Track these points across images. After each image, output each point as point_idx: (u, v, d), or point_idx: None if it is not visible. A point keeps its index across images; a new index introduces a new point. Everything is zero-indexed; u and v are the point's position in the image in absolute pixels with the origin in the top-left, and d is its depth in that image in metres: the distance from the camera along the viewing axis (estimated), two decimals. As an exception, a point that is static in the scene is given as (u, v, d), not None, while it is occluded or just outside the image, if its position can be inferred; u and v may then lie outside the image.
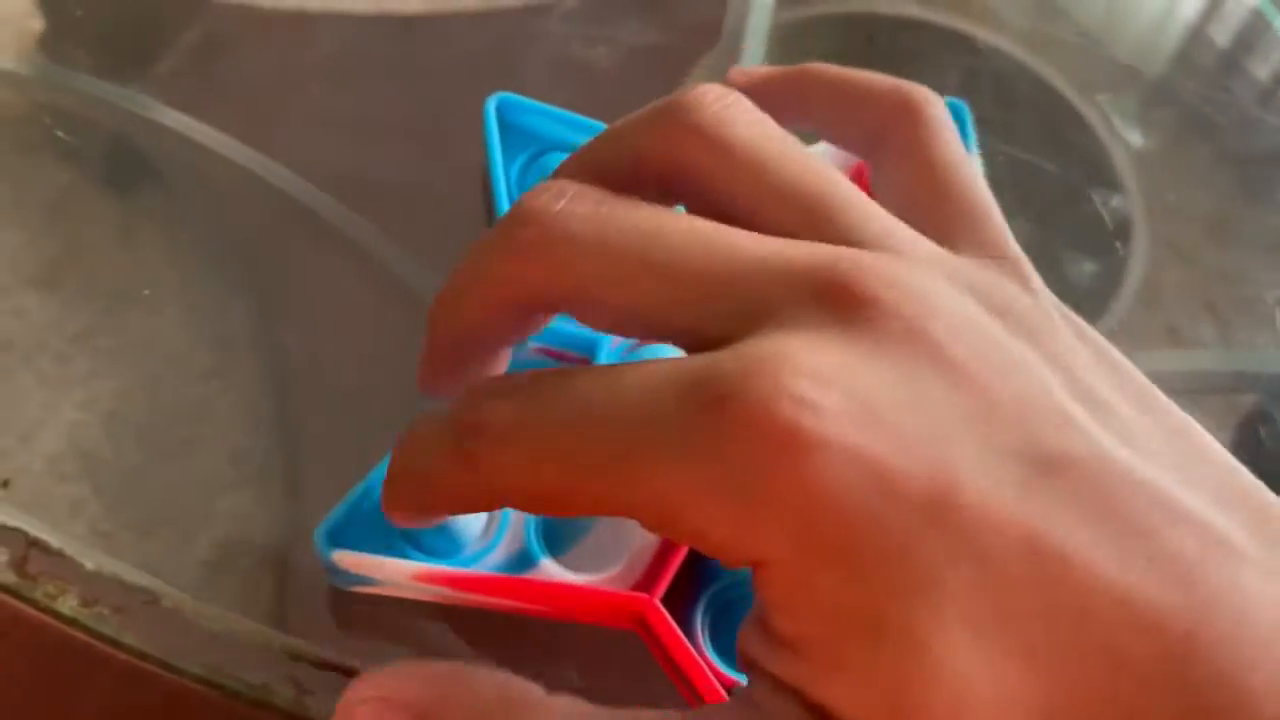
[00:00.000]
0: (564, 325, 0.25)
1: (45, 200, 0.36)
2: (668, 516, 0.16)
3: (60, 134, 0.36)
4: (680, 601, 0.23)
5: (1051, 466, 0.16)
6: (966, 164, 0.20)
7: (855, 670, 0.15)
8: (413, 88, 0.33)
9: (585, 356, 0.25)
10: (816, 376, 0.15)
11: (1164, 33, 0.41)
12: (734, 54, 0.32)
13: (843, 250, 0.17)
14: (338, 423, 0.28)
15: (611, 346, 0.25)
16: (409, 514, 0.20)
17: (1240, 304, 0.29)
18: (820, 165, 0.18)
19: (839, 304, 0.16)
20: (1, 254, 0.35)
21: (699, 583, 0.23)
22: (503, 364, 0.21)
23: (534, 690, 0.18)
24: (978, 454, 0.15)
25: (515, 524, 0.23)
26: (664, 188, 0.19)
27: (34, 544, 0.24)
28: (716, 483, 0.15)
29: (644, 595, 0.22)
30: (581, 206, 0.17)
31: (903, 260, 0.17)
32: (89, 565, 0.24)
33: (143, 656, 0.22)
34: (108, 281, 0.34)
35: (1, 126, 0.38)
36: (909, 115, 0.20)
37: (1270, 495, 0.17)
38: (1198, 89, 0.39)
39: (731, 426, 0.15)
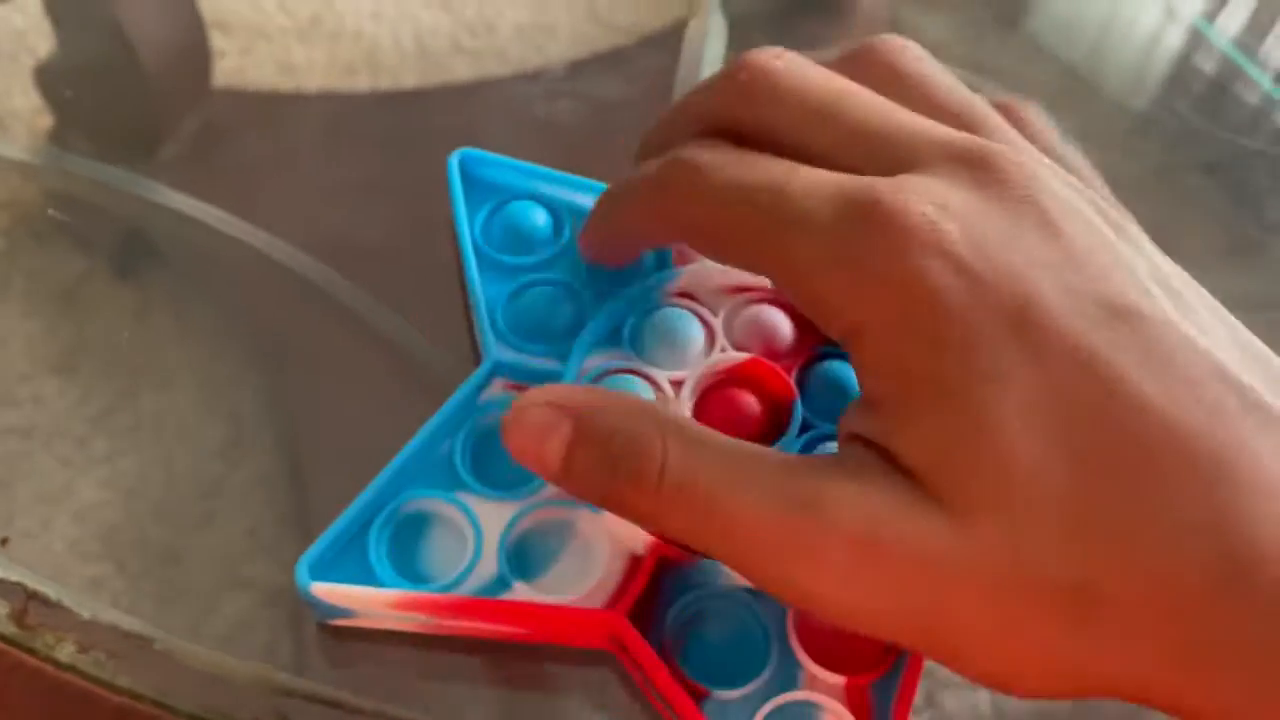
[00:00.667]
0: (532, 362, 0.26)
1: (60, 288, 0.37)
2: (798, 277, 0.20)
3: (72, 223, 0.37)
4: (649, 618, 0.23)
5: (1122, 314, 0.19)
6: (1069, 145, 0.24)
7: (922, 425, 0.18)
8: (399, 157, 0.34)
9: None
10: (946, 206, 0.19)
11: (1108, 52, 0.42)
12: None
13: (982, 139, 0.21)
14: (350, 486, 0.28)
15: (576, 380, 0.26)
16: (603, 240, 0.26)
17: None
18: (973, 93, 0.23)
19: (975, 166, 0.20)
20: (20, 342, 0.36)
21: (666, 599, 0.24)
22: None
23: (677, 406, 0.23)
24: (1060, 290, 0.19)
25: (489, 548, 0.24)
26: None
27: (33, 596, 0.25)
28: (846, 257, 0.19)
29: (613, 613, 0.23)
30: (788, 66, 0.22)
31: (1028, 152, 0.21)
32: (85, 614, 0.25)
33: (137, 697, 0.23)
34: (123, 364, 0.35)
35: (16, 219, 0.39)
36: (1017, 116, 0.24)
37: None
38: (1142, 109, 0.40)
39: (873, 222, 0.19)
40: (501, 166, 0.29)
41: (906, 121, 0.21)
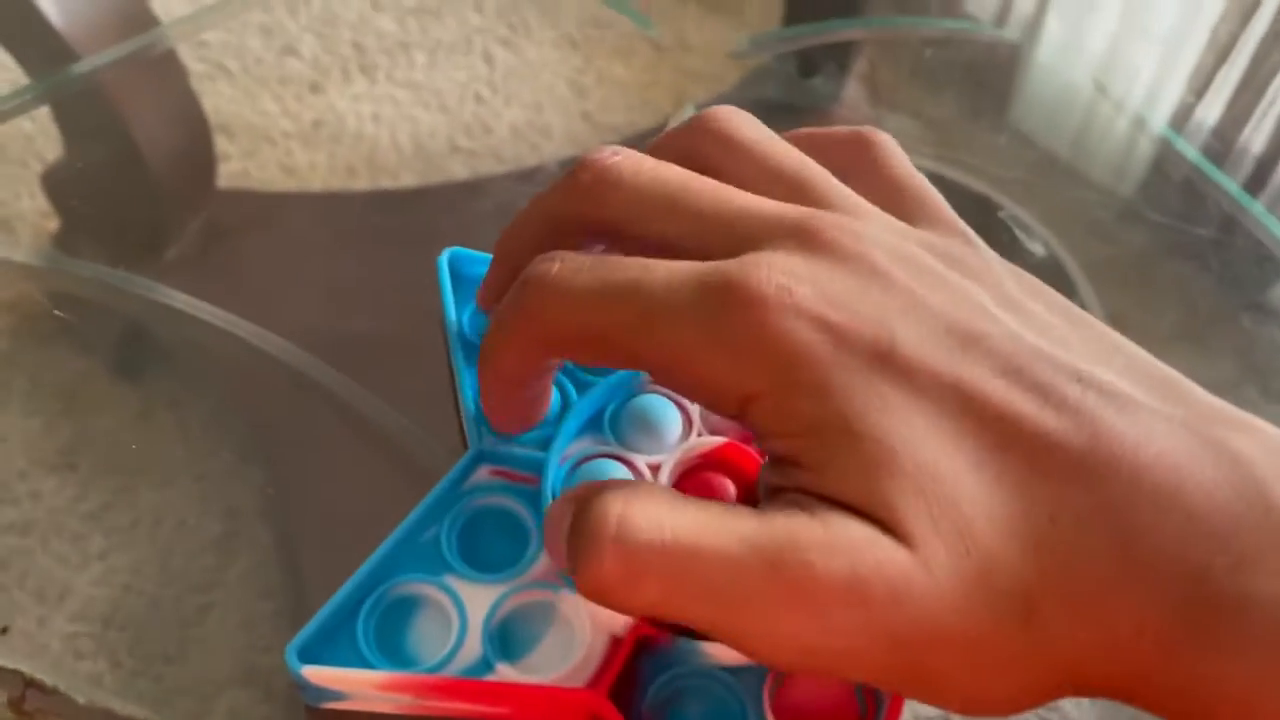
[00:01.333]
0: (516, 450, 0.27)
1: (61, 387, 0.37)
2: (677, 365, 0.21)
3: (74, 324, 0.38)
4: (628, 697, 0.24)
5: (972, 339, 0.20)
6: (918, 175, 0.25)
7: (839, 465, 0.19)
8: (399, 255, 0.35)
9: (534, 475, 0.26)
10: (792, 273, 0.20)
11: (1079, 151, 0.44)
12: None
13: (814, 209, 0.22)
14: (344, 576, 0.28)
15: (560, 462, 0.26)
16: (501, 404, 0.25)
17: None
18: (802, 155, 0.24)
19: (807, 237, 0.21)
20: (19, 440, 0.36)
21: (644, 679, 0.24)
22: None
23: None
24: (912, 328, 0.20)
25: (473, 631, 0.24)
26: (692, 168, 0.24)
27: (31, 683, 0.25)
28: (719, 339, 0.20)
29: (593, 692, 0.23)
30: (627, 163, 0.23)
31: (858, 217, 0.22)
32: (81, 700, 0.25)
33: (132, 783, 0.23)
34: (121, 461, 0.36)
35: (19, 320, 0.40)
36: (867, 146, 0.25)
37: (1174, 372, 0.21)
38: (1114, 203, 0.41)
39: (733, 302, 0.20)
40: (487, 265, 0.30)
41: (741, 204, 0.22)
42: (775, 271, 0.20)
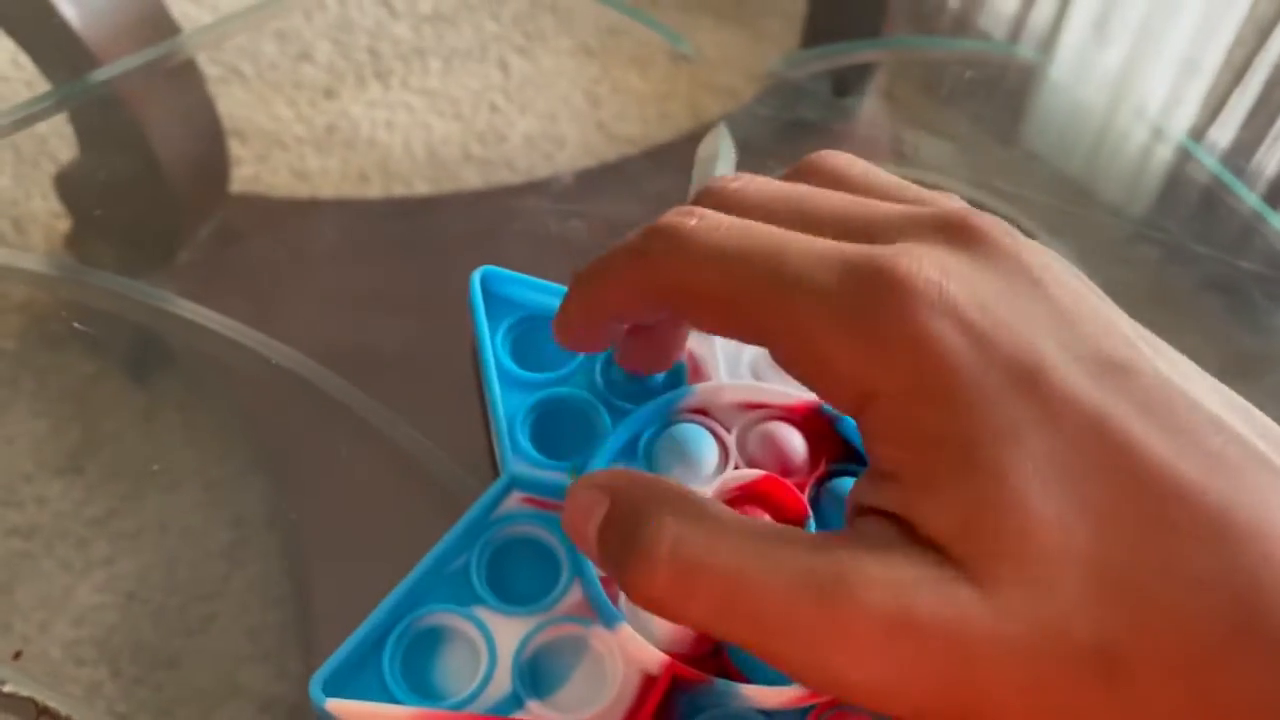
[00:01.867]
0: (549, 477, 0.26)
1: (69, 390, 0.37)
2: (800, 342, 0.20)
3: (84, 328, 0.38)
4: None
5: (1118, 369, 0.19)
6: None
7: (943, 492, 0.18)
8: (411, 264, 0.35)
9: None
10: (945, 269, 0.19)
11: (1100, 172, 0.43)
12: None
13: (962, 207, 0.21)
14: (352, 594, 0.28)
15: None
16: (580, 321, 0.24)
17: None
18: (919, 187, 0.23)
19: (959, 235, 0.20)
20: (26, 442, 0.36)
21: (678, 718, 0.23)
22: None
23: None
24: (1060, 349, 0.19)
25: (503, 665, 0.23)
26: None
27: (44, 711, 0.24)
28: (855, 325, 0.19)
29: None
30: (751, 180, 0.22)
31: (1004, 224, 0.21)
32: None
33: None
34: (128, 466, 0.35)
35: (28, 322, 0.40)
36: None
37: None
38: (1136, 225, 0.41)
39: (881, 287, 0.19)
40: (521, 284, 0.30)
41: (879, 204, 0.22)
42: (927, 264, 0.19)
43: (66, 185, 0.37)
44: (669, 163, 0.42)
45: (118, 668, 0.31)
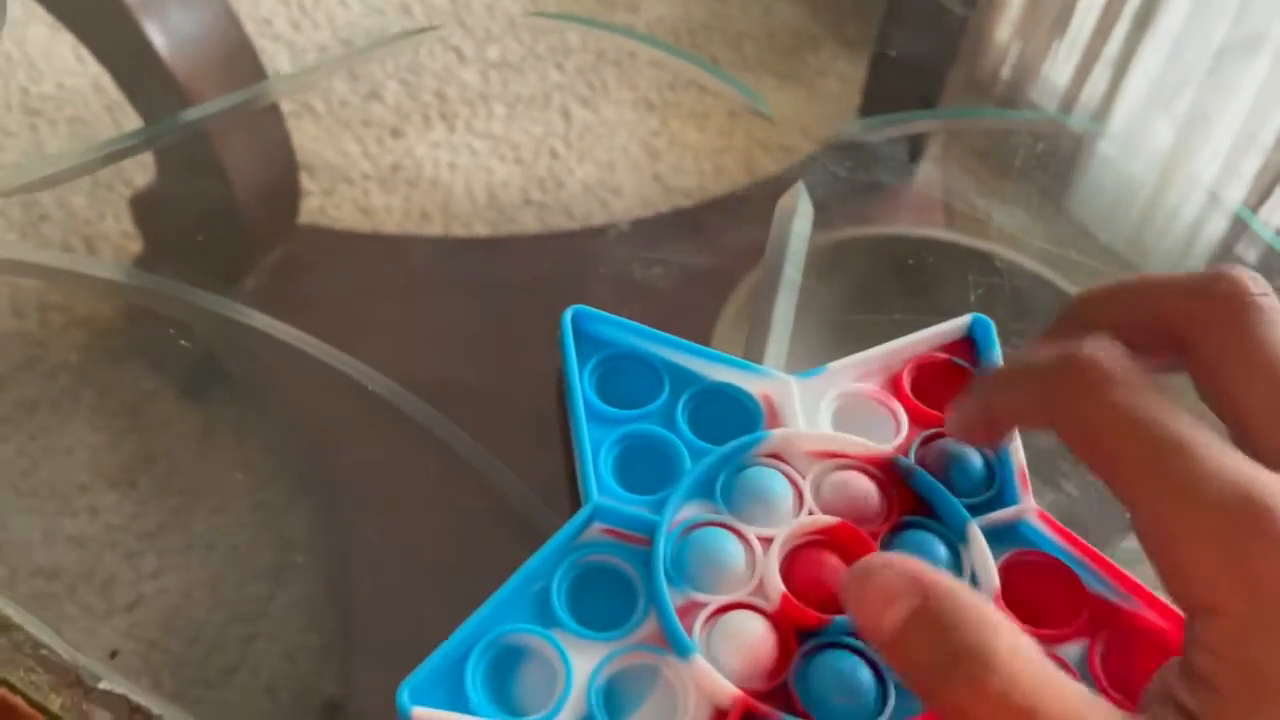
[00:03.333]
0: (630, 510, 0.27)
1: (128, 404, 0.38)
2: (1168, 539, 0.20)
3: (146, 343, 0.39)
4: None
5: None
6: None
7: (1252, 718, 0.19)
8: (469, 301, 0.35)
9: (645, 537, 0.26)
10: None
11: (1157, 236, 0.43)
12: (775, 275, 0.35)
13: None
14: (393, 618, 0.28)
15: (668, 530, 0.26)
16: (979, 421, 0.25)
17: None
18: None
19: None
20: (84, 453, 0.37)
21: None
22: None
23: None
24: None
25: (579, 687, 0.24)
26: (1177, 353, 0.24)
27: (136, 710, 0.25)
28: (1227, 541, 0.20)
29: None
30: (1124, 379, 0.22)
31: None
32: None
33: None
34: (181, 482, 0.36)
35: (93, 335, 0.41)
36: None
37: None
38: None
39: (1261, 522, 0.19)
40: (610, 323, 0.31)
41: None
42: None
43: (141, 208, 0.38)
44: (725, 214, 0.42)
45: (159, 680, 0.31)
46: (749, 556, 0.26)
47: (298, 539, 0.34)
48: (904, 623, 0.21)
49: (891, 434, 0.29)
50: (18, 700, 0.25)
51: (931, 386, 0.30)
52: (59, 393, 0.39)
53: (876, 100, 0.46)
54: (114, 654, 0.28)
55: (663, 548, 0.26)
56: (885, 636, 0.21)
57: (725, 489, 0.28)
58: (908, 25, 0.47)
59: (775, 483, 0.28)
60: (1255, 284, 0.23)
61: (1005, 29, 0.51)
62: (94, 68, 0.49)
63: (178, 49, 0.35)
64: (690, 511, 0.27)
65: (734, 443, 0.28)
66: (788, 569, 0.26)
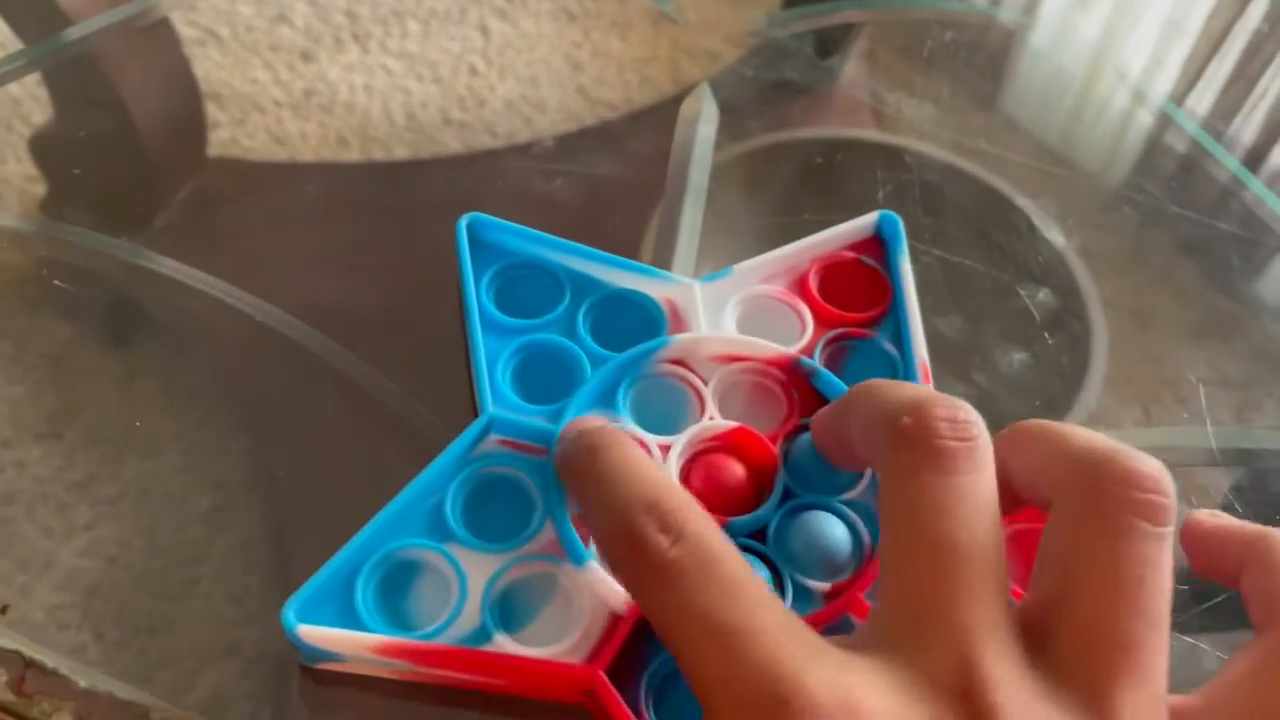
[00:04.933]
0: (527, 420, 0.26)
1: (47, 355, 0.37)
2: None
3: (61, 290, 0.37)
4: (626, 675, 0.24)
5: None
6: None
7: None
8: (390, 226, 0.34)
9: (542, 447, 0.26)
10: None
11: (1083, 132, 0.44)
12: (681, 180, 0.34)
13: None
14: (334, 552, 0.28)
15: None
16: (829, 448, 0.25)
17: (1163, 384, 0.30)
18: None
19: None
20: (4, 407, 0.36)
21: (643, 657, 0.24)
22: None
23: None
24: None
25: (473, 599, 0.24)
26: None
27: (30, 664, 0.25)
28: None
29: (591, 667, 0.23)
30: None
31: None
32: (82, 683, 0.25)
33: (133, 766, 0.23)
34: (108, 431, 0.35)
35: (5, 286, 0.39)
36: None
37: None
38: (1116, 188, 0.41)
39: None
40: (507, 231, 0.30)
41: None
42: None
43: (41, 148, 0.36)
44: (650, 125, 0.42)
45: (101, 632, 0.31)
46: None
47: (230, 481, 0.33)
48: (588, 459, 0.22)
49: (797, 335, 0.29)
50: None
51: (839, 286, 0.30)
52: (-27, 346, 0.37)
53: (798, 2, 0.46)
54: (4, 609, 0.28)
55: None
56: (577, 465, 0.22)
57: (627, 398, 0.28)
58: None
59: (676, 391, 0.28)
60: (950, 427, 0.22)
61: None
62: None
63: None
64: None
65: (634, 350, 0.28)
66: (688, 474, 0.26)
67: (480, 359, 0.28)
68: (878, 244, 0.31)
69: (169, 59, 0.35)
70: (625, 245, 0.30)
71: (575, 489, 0.23)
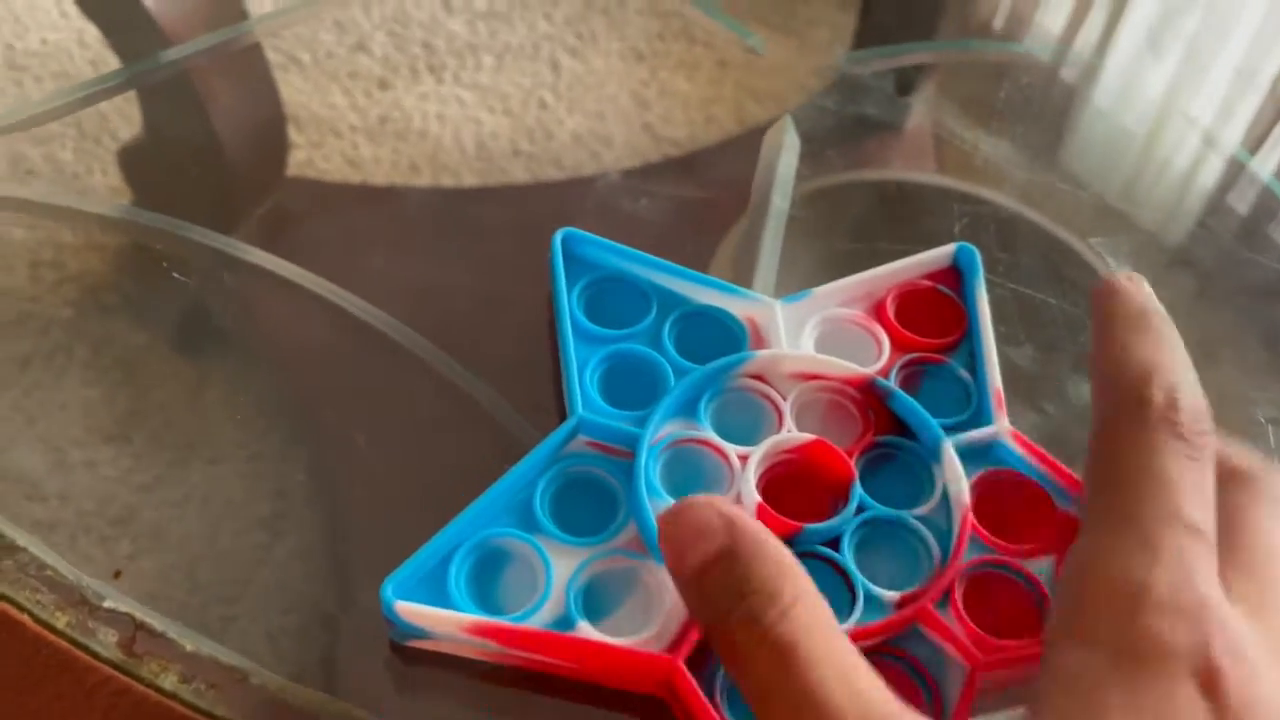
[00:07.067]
0: (614, 423, 0.27)
1: (121, 360, 0.38)
2: None
3: (137, 297, 0.39)
4: (701, 669, 0.24)
5: None
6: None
7: None
8: (473, 247, 0.35)
9: (628, 450, 0.27)
10: None
11: (1149, 180, 0.44)
12: (763, 204, 0.35)
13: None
14: (393, 561, 0.29)
15: (650, 444, 0.27)
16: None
17: (1231, 423, 0.30)
18: None
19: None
20: (78, 409, 0.37)
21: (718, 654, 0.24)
22: None
23: None
24: None
25: (558, 588, 0.25)
26: None
27: (140, 626, 0.26)
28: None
29: (669, 657, 0.24)
30: None
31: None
32: (189, 646, 0.27)
33: (233, 726, 0.24)
34: (175, 436, 0.36)
35: (83, 292, 0.41)
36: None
37: None
38: (1184, 229, 0.41)
39: None
40: (598, 246, 0.31)
41: None
42: None
43: (128, 161, 0.38)
44: (714, 162, 0.42)
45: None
46: (727, 472, 0.27)
47: (292, 490, 0.34)
48: (708, 559, 0.21)
49: (873, 357, 0.30)
50: (24, 618, 0.26)
51: (915, 313, 0.31)
52: (51, 348, 0.38)
53: (869, 41, 0.46)
54: (118, 574, 0.29)
55: (644, 460, 0.27)
56: (688, 572, 0.21)
57: (708, 409, 0.29)
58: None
59: (756, 403, 0.28)
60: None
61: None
62: (78, 22, 0.48)
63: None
64: (673, 428, 0.28)
65: (717, 363, 0.29)
66: (764, 484, 0.27)
67: (571, 364, 0.29)
68: (954, 274, 0.32)
69: (257, 80, 0.37)
70: (694, 268, 0.31)
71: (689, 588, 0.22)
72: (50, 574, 0.27)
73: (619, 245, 0.31)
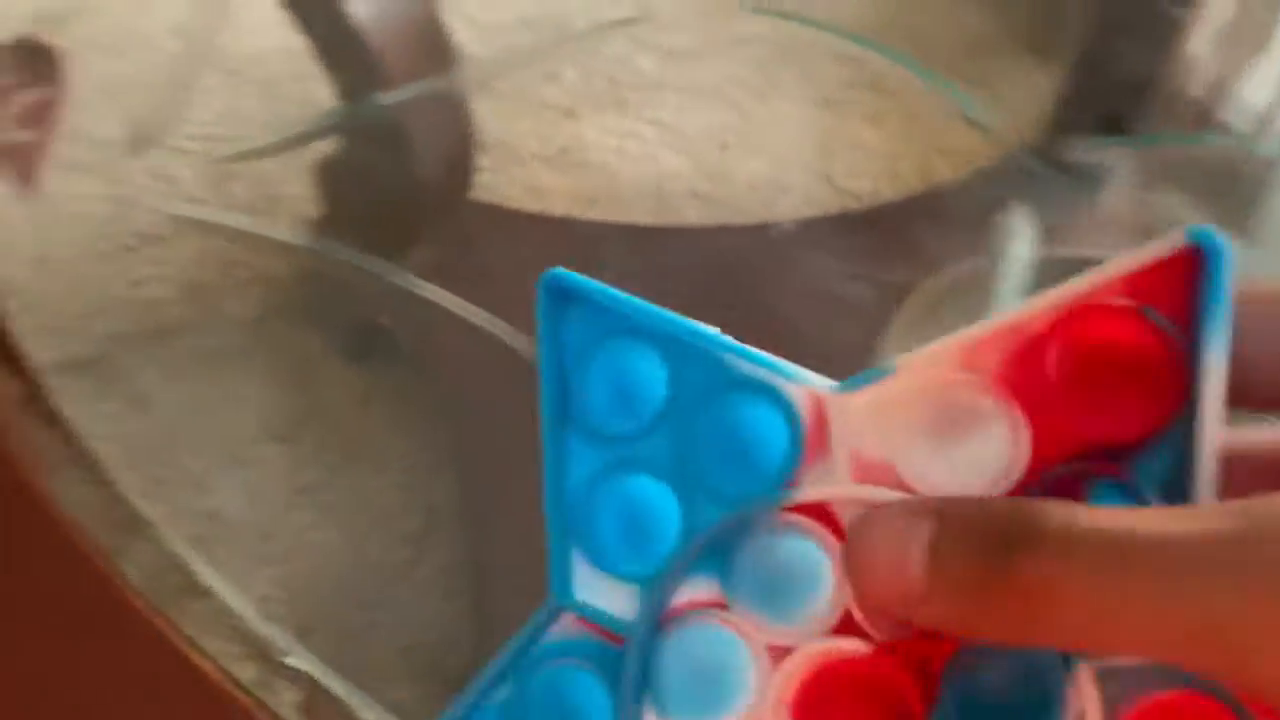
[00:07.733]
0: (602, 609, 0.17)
1: (297, 364, 0.40)
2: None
3: (318, 307, 0.40)
4: None
5: None
6: None
7: None
8: (640, 284, 0.35)
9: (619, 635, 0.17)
10: None
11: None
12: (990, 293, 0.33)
13: None
14: (531, 589, 0.29)
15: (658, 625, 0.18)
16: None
17: None
18: None
19: None
20: (253, 409, 0.38)
21: None
22: None
23: None
24: None
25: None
26: None
27: (320, 689, 0.26)
28: None
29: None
30: None
31: None
32: (370, 717, 0.26)
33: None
34: (339, 442, 0.37)
35: (269, 294, 0.42)
36: None
37: None
38: None
39: None
40: (602, 299, 0.16)
41: None
42: None
43: (323, 174, 0.39)
44: (900, 221, 0.41)
45: (302, 629, 0.32)
46: (752, 672, 0.17)
47: (444, 506, 0.34)
48: (927, 553, 0.15)
49: (1000, 463, 0.14)
50: (207, 665, 0.26)
51: (1093, 368, 0.14)
52: (235, 346, 0.40)
53: (1071, 106, 0.44)
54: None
55: (635, 663, 0.18)
56: (922, 584, 0.15)
57: (735, 562, 0.17)
58: (1118, 31, 0.44)
59: (804, 560, 0.15)
60: None
61: (1203, 44, 0.48)
62: (284, 30, 0.51)
63: (377, 23, 0.36)
64: (685, 595, 0.18)
65: (753, 502, 0.16)
66: (800, 698, 0.16)
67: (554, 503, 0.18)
68: (1181, 285, 0.16)
69: (459, 115, 0.38)
70: (861, 338, 0.29)
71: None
72: (235, 622, 0.27)
73: (630, 297, 0.18)
